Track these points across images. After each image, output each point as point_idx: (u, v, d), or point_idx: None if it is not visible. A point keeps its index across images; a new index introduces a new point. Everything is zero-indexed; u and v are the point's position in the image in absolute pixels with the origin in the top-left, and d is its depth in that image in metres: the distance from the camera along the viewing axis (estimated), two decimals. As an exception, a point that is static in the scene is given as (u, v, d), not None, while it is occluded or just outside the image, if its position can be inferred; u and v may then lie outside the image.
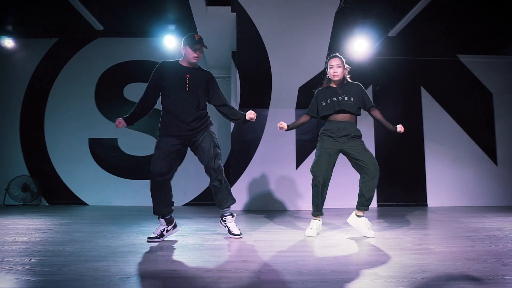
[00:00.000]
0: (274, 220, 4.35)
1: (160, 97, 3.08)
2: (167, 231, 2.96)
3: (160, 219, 2.96)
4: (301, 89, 5.81)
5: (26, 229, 3.41)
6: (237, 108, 5.92)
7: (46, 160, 6.71)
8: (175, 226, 3.07)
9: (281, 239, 2.90)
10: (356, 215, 3.15)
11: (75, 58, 6.92)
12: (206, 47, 3.09)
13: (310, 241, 2.82)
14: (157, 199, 2.93)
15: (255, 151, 6.02)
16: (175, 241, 2.84)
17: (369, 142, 6.56)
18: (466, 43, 6.69)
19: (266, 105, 6.01)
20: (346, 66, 3.26)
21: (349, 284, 1.59)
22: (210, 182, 3.04)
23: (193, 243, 2.75)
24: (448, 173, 6.60)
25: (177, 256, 2.26)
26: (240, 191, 5.82)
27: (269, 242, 2.78)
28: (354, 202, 3.28)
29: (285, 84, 5.72)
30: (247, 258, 2.15)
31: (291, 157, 6.11)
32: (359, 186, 3.16)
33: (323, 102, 3.28)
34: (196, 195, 6.78)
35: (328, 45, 5.27)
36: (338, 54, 3.26)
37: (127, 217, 4.68)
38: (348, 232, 3.30)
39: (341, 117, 3.20)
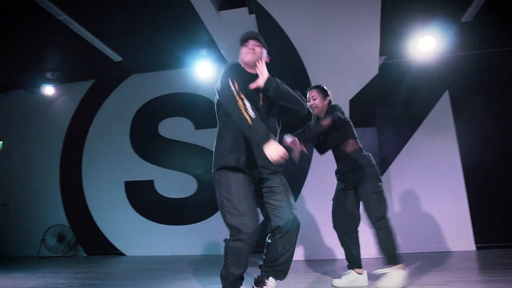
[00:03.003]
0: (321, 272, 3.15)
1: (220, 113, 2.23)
2: None
3: None
4: (353, 102, 4.64)
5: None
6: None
7: (84, 207, 6.31)
8: None
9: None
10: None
11: (110, 98, 6.64)
12: (262, 45, 2.26)
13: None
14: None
15: (302, 186, 4.90)
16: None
17: (454, 161, 5.03)
18: None
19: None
20: (327, 95, 2.99)
21: None
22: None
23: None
24: None
25: None
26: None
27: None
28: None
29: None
30: None
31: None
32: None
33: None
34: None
35: (379, 45, 4.12)
36: (316, 86, 3.04)
37: (152, 273, 3.85)
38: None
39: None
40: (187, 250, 5.75)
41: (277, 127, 2.28)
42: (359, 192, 2.81)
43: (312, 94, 2.99)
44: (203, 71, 5.87)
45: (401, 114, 5.33)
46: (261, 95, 2.17)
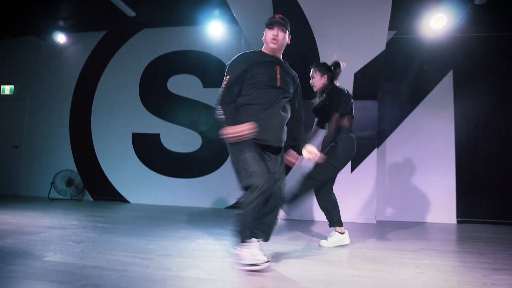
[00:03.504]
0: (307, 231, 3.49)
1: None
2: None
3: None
4: (357, 75, 4.78)
5: (48, 226, 3.07)
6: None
7: (92, 155, 6.64)
8: None
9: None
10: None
11: (121, 50, 6.74)
12: (287, 29, 2.44)
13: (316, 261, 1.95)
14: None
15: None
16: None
17: (448, 140, 5.26)
18: None
19: (314, 95, 5.10)
20: (326, 72, 3.14)
21: None
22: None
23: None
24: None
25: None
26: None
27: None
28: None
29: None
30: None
31: (345, 158, 5.11)
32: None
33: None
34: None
35: (389, 19, 4.19)
36: (314, 64, 3.20)
37: (157, 220, 4.23)
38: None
39: None
40: (187, 202, 6.13)
41: (287, 108, 2.47)
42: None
43: (311, 73, 3.16)
44: (214, 31, 5.96)
45: (404, 89, 5.48)
46: (277, 69, 2.36)
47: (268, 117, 2.29)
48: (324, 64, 3.21)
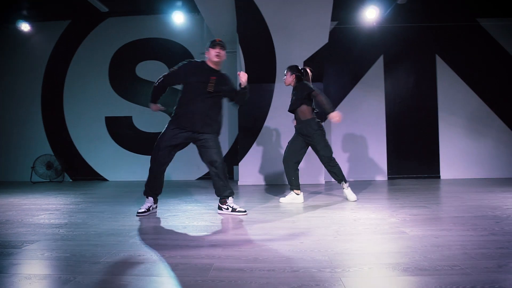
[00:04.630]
0: (274, 194, 4.46)
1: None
2: (153, 208, 3.32)
3: (149, 197, 3.29)
4: (307, 63, 5.71)
5: (36, 209, 3.72)
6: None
7: (67, 139, 7.11)
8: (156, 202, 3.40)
9: (266, 219, 3.01)
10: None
11: (87, 39, 7.11)
12: (224, 48, 3.21)
13: (287, 222, 2.90)
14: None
15: (262, 126, 6.07)
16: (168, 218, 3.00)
17: (380, 112, 6.44)
18: (486, 6, 6.25)
19: (272, 80, 5.98)
20: (294, 71, 3.95)
21: (287, 275, 1.68)
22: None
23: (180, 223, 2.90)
24: (464, 144, 6.41)
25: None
26: (248, 166, 5.95)
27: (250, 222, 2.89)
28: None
29: (289, 58, 5.64)
30: (218, 242, 2.28)
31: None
32: None
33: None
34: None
35: (331, 15, 5.12)
36: (288, 67, 3.99)
37: (134, 193, 4.95)
38: (335, 209, 3.36)
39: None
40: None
41: (221, 103, 3.28)
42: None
43: (285, 72, 4.04)
44: (178, 19, 6.54)
45: (345, 71, 6.53)
46: (212, 84, 3.15)
47: (191, 109, 3.10)
48: (295, 66, 4.04)
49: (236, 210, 3.27)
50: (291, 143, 4.05)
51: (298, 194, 4.01)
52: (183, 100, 3.16)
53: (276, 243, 2.23)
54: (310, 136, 3.87)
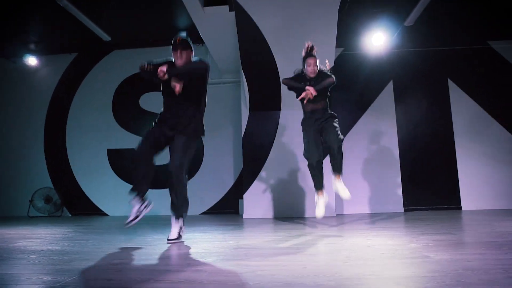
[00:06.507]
0: (280, 227, 4.08)
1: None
2: (141, 210, 3.08)
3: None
4: (313, 88, 5.51)
5: (17, 238, 3.42)
6: (247, 112, 5.83)
7: (68, 172, 6.90)
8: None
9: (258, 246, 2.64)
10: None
11: (93, 71, 7.11)
12: (185, 48, 3.18)
13: (289, 248, 2.53)
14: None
15: (268, 156, 5.77)
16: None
17: (392, 140, 6.11)
18: (498, 28, 6.04)
19: (277, 107, 5.76)
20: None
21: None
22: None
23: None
24: (486, 172, 5.96)
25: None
26: (253, 198, 5.59)
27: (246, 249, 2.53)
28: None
29: (295, 84, 5.46)
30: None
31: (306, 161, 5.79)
32: None
33: None
34: (213, 204, 6.60)
35: (335, 39, 4.97)
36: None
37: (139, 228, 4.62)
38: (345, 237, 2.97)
39: None
40: (164, 211, 6.52)
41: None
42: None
43: (312, 62, 3.96)
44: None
45: (353, 98, 6.29)
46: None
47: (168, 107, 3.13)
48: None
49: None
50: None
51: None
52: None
53: (274, 268, 1.87)
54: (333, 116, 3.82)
